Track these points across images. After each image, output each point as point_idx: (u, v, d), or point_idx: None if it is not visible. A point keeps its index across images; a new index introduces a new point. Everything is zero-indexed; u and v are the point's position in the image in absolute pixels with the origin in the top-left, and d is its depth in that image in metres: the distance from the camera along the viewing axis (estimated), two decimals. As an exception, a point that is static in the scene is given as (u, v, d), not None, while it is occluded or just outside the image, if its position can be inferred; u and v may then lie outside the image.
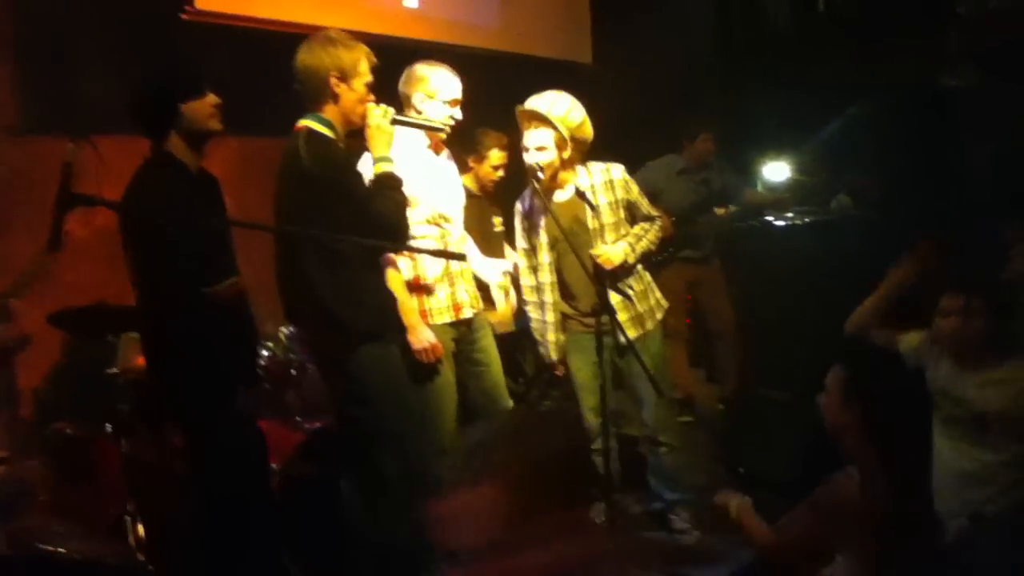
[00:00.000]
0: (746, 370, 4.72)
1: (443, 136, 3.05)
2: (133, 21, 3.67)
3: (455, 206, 3.14)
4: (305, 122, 2.62)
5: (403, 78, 3.02)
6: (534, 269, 3.30)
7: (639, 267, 3.31)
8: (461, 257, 3.03)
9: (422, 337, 2.93)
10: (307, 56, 2.59)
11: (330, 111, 2.61)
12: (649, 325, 3.27)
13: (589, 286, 3.11)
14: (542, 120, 3.08)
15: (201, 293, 2.39)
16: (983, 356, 2.55)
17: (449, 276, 3.07)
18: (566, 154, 3.12)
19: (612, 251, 3.15)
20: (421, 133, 3.02)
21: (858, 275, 4.28)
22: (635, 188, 3.29)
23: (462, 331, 3.12)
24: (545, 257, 3.23)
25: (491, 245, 3.91)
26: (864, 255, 4.37)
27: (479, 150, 4.01)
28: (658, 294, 3.38)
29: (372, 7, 4.43)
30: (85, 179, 2.09)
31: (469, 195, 3.53)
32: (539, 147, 3.10)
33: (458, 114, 3.02)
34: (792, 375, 4.25)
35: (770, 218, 4.92)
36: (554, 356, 3.32)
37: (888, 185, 5.12)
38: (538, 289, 3.30)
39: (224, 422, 2.47)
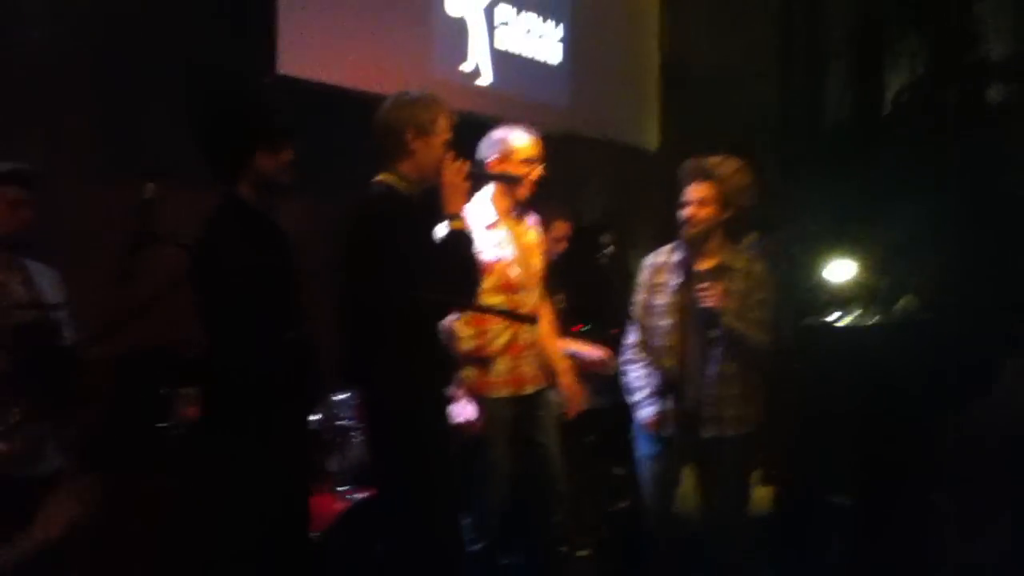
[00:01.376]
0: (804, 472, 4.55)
1: (520, 195, 3.04)
2: (216, 79, 3.77)
3: (528, 275, 3.11)
4: (380, 177, 2.64)
5: (481, 145, 3.03)
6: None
7: None
8: (532, 320, 2.96)
9: (459, 412, 2.88)
10: (386, 111, 2.64)
11: (406, 166, 2.62)
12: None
13: None
14: (707, 175, 3.04)
15: (278, 340, 2.36)
16: None
17: (514, 347, 3.02)
18: (725, 215, 3.06)
19: None
20: (490, 201, 3.02)
21: (922, 379, 4.18)
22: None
23: (522, 408, 3.04)
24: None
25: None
26: (929, 359, 4.27)
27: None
28: None
29: (444, 81, 4.51)
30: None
31: None
32: (700, 200, 3.04)
33: (536, 172, 3.03)
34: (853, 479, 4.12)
35: (830, 319, 4.80)
36: None
37: (954, 289, 5.01)
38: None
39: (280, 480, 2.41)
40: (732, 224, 3.12)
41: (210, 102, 3.09)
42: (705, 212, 3.04)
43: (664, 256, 3.22)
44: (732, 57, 6.62)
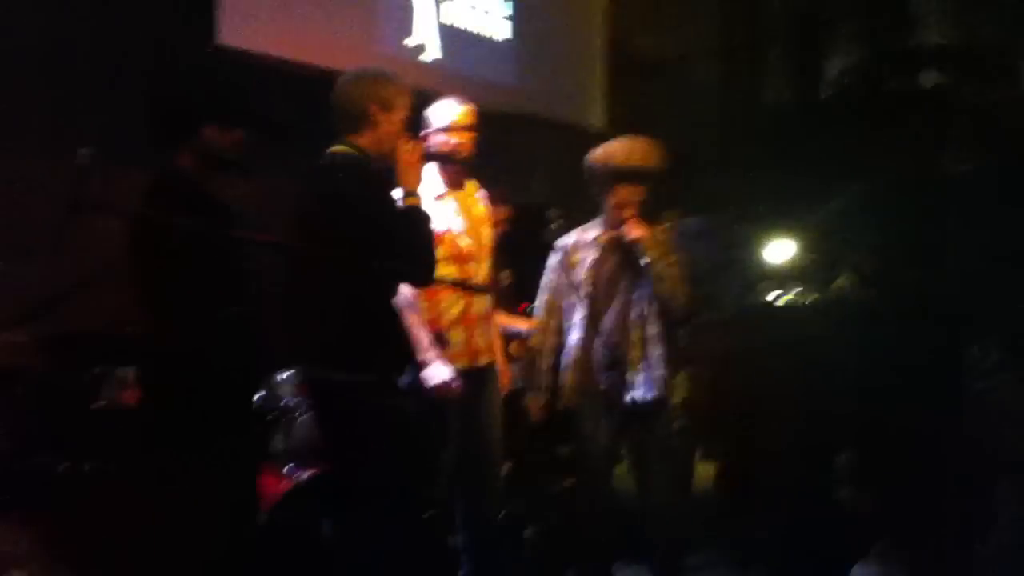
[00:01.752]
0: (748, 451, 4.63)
1: (463, 163, 3.04)
2: (157, 52, 3.67)
3: (478, 247, 3.10)
4: (338, 147, 2.60)
5: (422, 116, 3.02)
6: None
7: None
8: (485, 291, 2.99)
9: (440, 371, 2.85)
10: (351, 84, 2.62)
11: (365, 139, 2.59)
12: None
13: None
14: (648, 177, 3.08)
15: (215, 316, 2.30)
16: None
17: (467, 319, 3.02)
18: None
19: None
20: (437, 174, 3.02)
21: (858, 355, 4.28)
22: None
23: (472, 381, 3.03)
24: None
25: (501, 298, 3.86)
26: (865, 336, 4.37)
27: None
28: None
29: (389, 56, 4.45)
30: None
31: None
32: (628, 200, 3.07)
33: (468, 141, 3.02)
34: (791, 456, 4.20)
35: (770, 296, 4.89)
36: None
37: (888, 266, 5.14)
38: None
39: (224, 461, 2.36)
40: (646, 204, 3.15)
41: (164, 72, 3.01)
42: (632, 210, 3.09)
43: (576, 236, 3.25)
44: (675, 40, 6.68)
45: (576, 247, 3.22)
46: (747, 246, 5.22)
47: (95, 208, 1.84)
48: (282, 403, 3.31)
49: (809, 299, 4.82)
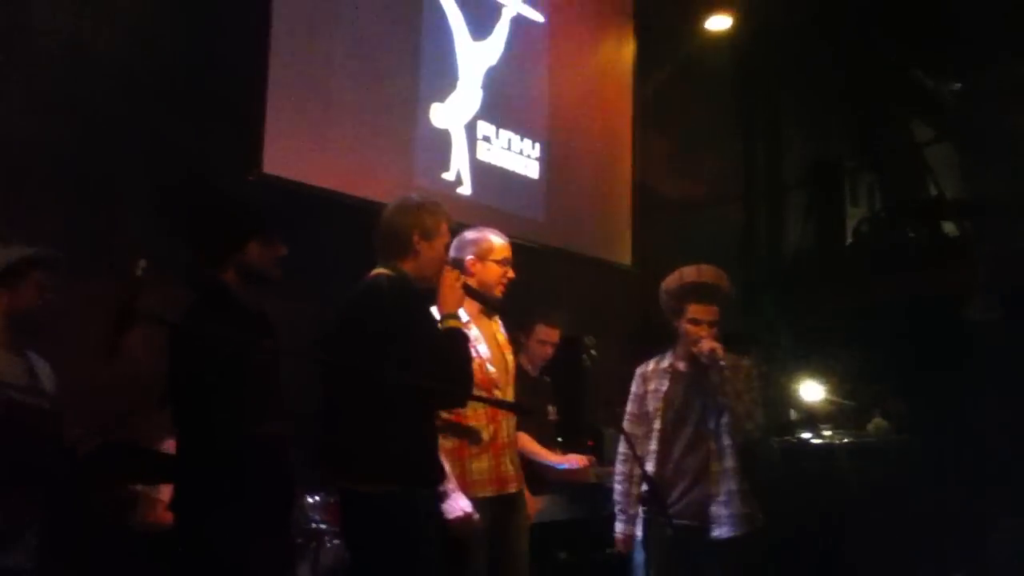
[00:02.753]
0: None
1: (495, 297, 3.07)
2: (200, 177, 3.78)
3: (504, 373, 3.08)
4: (381, 270, 2.66)
5: (454, 245, 3.05)
6: None
7: None
8: (528, 411, 2.99)
9: (457, 506, 2.76)
10: (395, 212, 2.72)
11: (408, 264, 2.67)
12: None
13: None
14: (723, 296, 3.14)
15: (252, 433, 2.26)
16: None
17: (495, 445, 2.96)
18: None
19: None
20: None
21: (893, 499, 4.17)
22: None
23: (501, 509, 2.94)
24: None
25: (542, 432, 3.82)
26: (900, 478, 4.28)
27: (525, 324, 3.98)
28: None
29: (425, 189, 4.56)
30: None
31: (524, 375, 3.49)
32: (711, 320, 3.11)
33: (511, 273, 3.08)
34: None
35: (807, 436, 4.81)
36: None
37: (922, 411, 5.08)
38: None
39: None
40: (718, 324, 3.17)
41: (210, 191, 3.08)
42: (706, 328, 3.11)
43: (653, 364, 3.28)
44: (699, 184, 6.86)
45: (651, 375, 3.25)
46: (775, 387, 5.18)
47: (149, 318, 1.85)
48: (311, 526, 3.22)
49: (842, 440, 4.74)
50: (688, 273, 3.16)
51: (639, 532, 3.08)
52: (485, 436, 2.95)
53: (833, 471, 4.48)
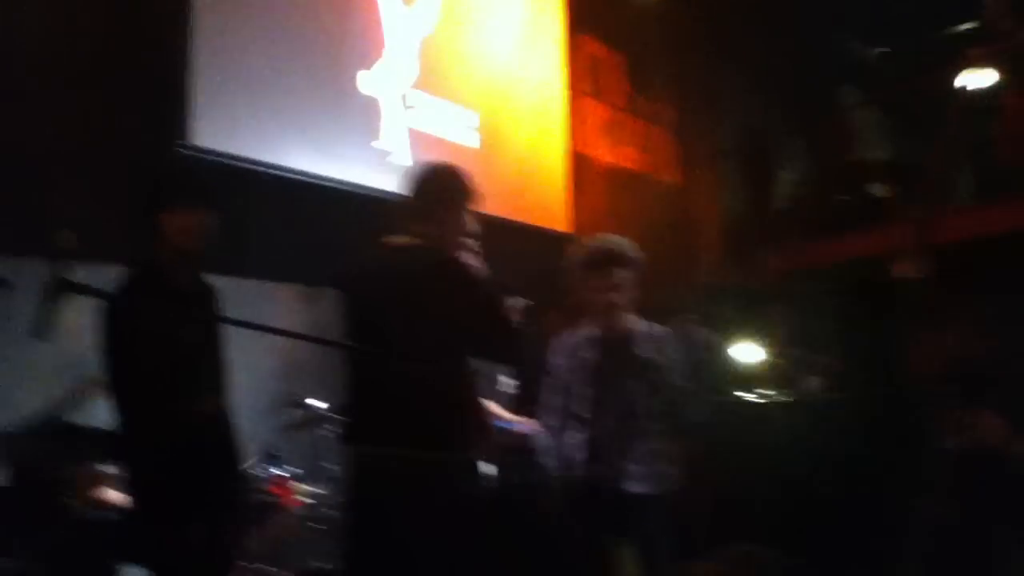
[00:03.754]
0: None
1: None
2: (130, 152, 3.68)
3: None
4: (410, 239, 2.64)
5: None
6: None
7: None
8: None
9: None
10: (428, 176, 2.71)
11: (429, 230, 2.65)
12: None
13: None
14: (623, 261, 3.18)
15: (180, 412, 2.22)
16: None
17: None
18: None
19: None
20: None
21: (823, 454, 4.30)
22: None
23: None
24: None
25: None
26: (829, 434, 4.41)
27: None
28: None
29: (352, 157, 4.52)
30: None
31: None
32: (623, 282, 3.18)
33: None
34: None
35: (742, 395, 4.92)
36: None
37: (849, 367, 5.22)
38: None
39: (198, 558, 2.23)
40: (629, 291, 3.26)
41: (128, 168, 3.00)
42: (628, 294, 3.18)
43: (574, 336, 3.30)
44: (635, 151, 6.91)
45: (573, 345, 3.27)
46: (712, 349, 5.27)
47: (77, 289, 1.79)
48: (254, 499, 3.19)
49: (777, 400, 4.86)
50: (583, 245, 3.26)
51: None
52: None
53: (766, 429, 4.59)
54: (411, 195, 2.70)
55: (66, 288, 1.77)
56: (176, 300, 2.42)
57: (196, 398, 2.37)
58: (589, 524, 3.09)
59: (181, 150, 3.68)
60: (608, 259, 3.19)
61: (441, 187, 2.67)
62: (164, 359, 2.26)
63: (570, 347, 3.29)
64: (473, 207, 2.73)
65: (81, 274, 2.21)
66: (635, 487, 3.09)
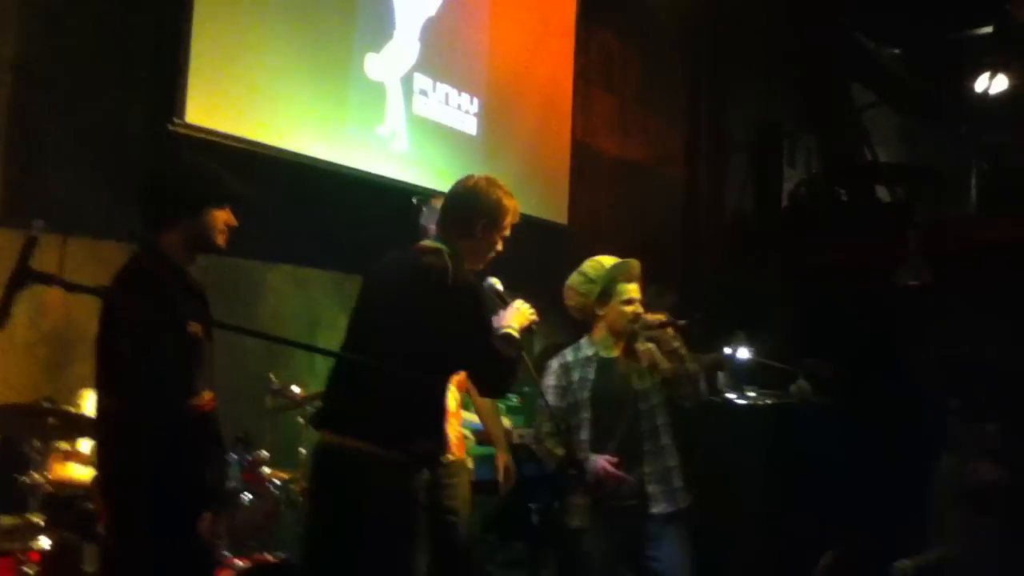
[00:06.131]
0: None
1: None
2: (122, 129, 3.67)
3: None
4: (439, 245, 2.63)
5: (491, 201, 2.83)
6: None
7: None
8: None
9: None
10: (466, 190, 2.70)
11: (463, 244, 2.64)
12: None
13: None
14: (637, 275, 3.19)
15: (184, 404, 2.22)
16: None
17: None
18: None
19: None
20: None
21: (813, 460, 4.28)
22: None
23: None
24: None
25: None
26: (821, 441, 4.39)
27: None
28: None
29: (356, 143, 4.48)
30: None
31: None
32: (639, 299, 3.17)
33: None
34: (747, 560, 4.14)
35: (731, 396, 4.90)
36: None
37: (846, 375, 5.19)
38: None
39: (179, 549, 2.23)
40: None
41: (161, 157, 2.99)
42: (636, 305, 3.15)
43: (571, 355, 3.23)
44: (642, 144, 6.85)
45: (573, 365, 3.19)
46: (705, 349, 5.24)
47: (42, 279, 1.78)
48: (227, 486, 3.19)
49: (767, 401, 4.85)
50: (606, 260, 3.18)
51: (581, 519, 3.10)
52: (453, 404, 3.02)
53: (752, 431, 4.58)
54: (451, 203, 2.70)
55: (29, 277, 1.75)
56: (186, 292, 2.40)
57: (198, 393, 2.34)
58: (610, 546, 3.07)
59: (174, 128, 3.65)
60: (635, 272, 3.18)
61: (482, 203, 2.65)
62: (176, 353, 2.24)
63: (571, 367, 3.21)
64: (509, 230, 2.72)
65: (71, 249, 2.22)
66: (654, 508, 3.06)
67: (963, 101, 7.33)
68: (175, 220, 2.33)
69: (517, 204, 2.73)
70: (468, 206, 2.65)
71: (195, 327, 2.27)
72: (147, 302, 2.21)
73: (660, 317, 3.13)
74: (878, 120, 8.60)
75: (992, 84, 6.65)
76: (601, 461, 2.97)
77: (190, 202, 2.34)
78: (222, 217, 2.38)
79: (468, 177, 2.75)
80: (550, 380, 3.19)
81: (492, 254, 2.70)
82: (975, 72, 7.10)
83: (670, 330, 3.13)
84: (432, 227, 2.92)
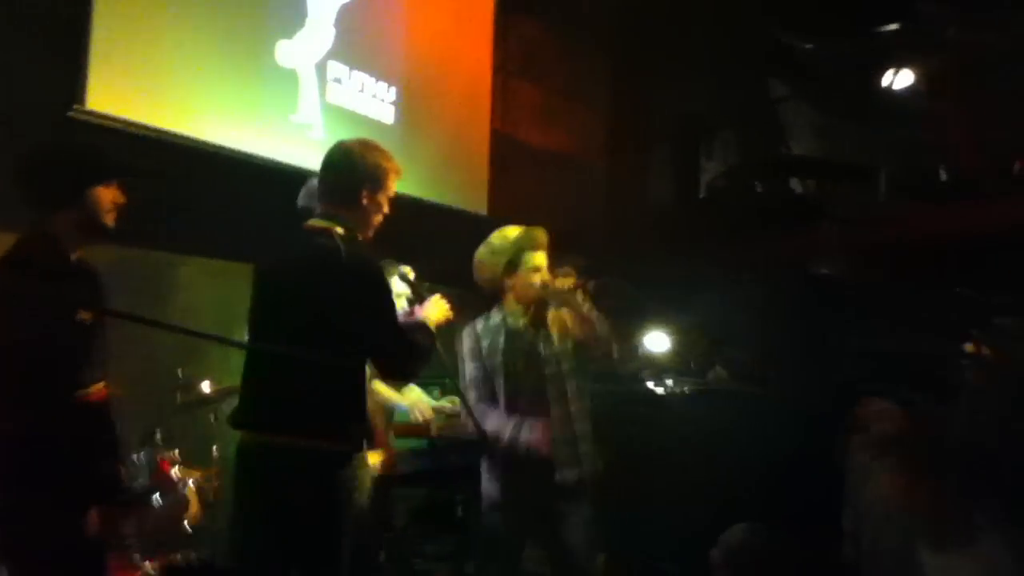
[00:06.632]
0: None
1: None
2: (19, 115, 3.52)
3: None
4: (328, 224, 2.53)
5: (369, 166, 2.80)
6: None
7: None
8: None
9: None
10: (343, 159, 2.59)
11: (349, 214, 2.55)
12: None
13: None
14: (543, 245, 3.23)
15: (69, 397, 2.12)
16: None
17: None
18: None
19: None
20: None
21: (732, 445, 4.36)
22: None
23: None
24: None
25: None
26: (739, 426, 4.48)
27: None
28: None
29: (270, 132, 4.39)
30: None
31: None
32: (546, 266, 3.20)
33: None
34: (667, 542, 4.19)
35: (651, 384, 4.96)
36: None
37: (765, 361, 5.30)
38: None
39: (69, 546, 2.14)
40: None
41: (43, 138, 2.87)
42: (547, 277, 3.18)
43: (482, 322, 3.27)
44: (564, 134, 6.87)
45: (483, 332, 3.23)
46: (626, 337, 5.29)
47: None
48: (136, 486, 3.09)
49: (685, 388, 4.92)
50: (511, 230, 3.23)
51: (491, 491, 3.13)
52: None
53: (669, 418, 4.65)
54: (330, 175, 2.59)
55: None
56: (74, 278, 2.31)
57: (84, 383, 2.25)
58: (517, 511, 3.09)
59: (74, 115, 3.51)
60: (542, 243, 3.21)
61: (362, 168, 2.55)
62: (58, 340, 2.15)
63: (482, 334, 3.25)
64: (394, 190, 2.64)
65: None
66: (562, 472, 3.09)
67: (874, 97, 7.53)
68: (59, 203, 2.25)
69: (397, 163, 2.65)
70: (348, 176, 2.56)
71: (85, 315, 2.19)
72: (27, 292, 2.12)
73: (569, 282, 3.16)
74: (796, 115, 8.79)
75: (896, 80, 6.84)
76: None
77: (71, 182, 2.27)
78: (108, 195, 2.31)
79: (337, 145, 2.63)
80: (465, 343, 3.24)
81: (380, 217, 2.62)
82: (884, 68, 7.29)
83: (580, 294, 3.15)
84: (316, 205, 2.78)
